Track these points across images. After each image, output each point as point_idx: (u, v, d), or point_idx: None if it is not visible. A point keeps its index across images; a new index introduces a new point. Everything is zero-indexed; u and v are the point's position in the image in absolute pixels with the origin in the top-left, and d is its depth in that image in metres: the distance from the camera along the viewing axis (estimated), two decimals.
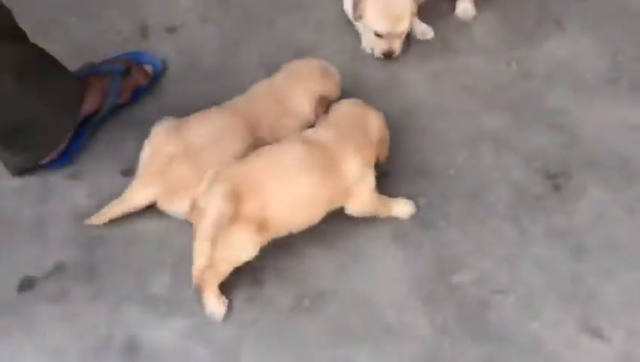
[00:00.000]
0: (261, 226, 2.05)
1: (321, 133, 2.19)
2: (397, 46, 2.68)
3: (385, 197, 2.26)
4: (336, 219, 2.27)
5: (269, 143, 2.25)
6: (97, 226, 2.32)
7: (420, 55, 2.79)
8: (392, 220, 2.33)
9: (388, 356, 2.08)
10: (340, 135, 2.17)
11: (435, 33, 2.82)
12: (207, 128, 2.31)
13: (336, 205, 2.19)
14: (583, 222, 2.35)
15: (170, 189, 2.28)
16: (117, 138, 2.54)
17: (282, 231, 2.13)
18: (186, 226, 2.27)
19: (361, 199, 2.17)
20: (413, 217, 2.36)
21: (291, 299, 2.19)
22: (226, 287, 2.18)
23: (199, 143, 2.28)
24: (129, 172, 2.46)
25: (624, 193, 2.40)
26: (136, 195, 2.30)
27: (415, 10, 2.67)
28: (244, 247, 2.06)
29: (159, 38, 2.86)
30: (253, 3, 3.00)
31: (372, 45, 2.72)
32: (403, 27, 2.63)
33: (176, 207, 2.30)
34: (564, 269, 2.25)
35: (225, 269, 2.12)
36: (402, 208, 2.30)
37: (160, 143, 2.30)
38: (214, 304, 2.12)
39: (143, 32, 2.90)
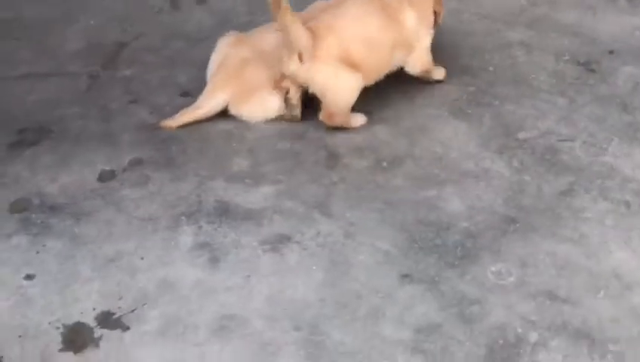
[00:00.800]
0: (350, 63, 2.14)
1: None
2: None
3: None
4: (397, 103, 2.41)
5: None
6: (168, 130, 2.34)
7: None
8: (447, 101, 2.44)
9: (474, 191, 2.12)
10: None
11: None
12: (275, 36, 2.41)
13: (399, 57, 2.31)
14: (624, 89, 2.50)
15: (245, 91, 2.34)
16: (169, 71, 2.62)
17: (368, 74, 2.20)
18: (254, 125, 2.33)
19: (420, 54, 2.29)
20: (467, 98, 2.46)
21: (370, 162, 2.23)
22: (300, 161, 2.21)
23: (272, 48, 2.36)
24: (187, 94, 2.52)
25: None
26: (211, 100, 2.36)
27: None
28: (347, 83, 2.18)
29: (190, 8, 3.01)
30: None
31: None
32: None
33: (251, 107, 2.35)
34: (618, 121, 2.37)
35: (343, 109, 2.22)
36: (441, 72, 2.48)
37: (231, 50, 2.38)
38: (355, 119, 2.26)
39: (174, 3, 3.05)
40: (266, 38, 2.40)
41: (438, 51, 2.64)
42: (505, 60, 2.66)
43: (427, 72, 2.44)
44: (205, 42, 2.74)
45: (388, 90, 2.50)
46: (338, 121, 2.29)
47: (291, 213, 2.07)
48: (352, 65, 2.21)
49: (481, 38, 2.77)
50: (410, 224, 2.03)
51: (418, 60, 2.40)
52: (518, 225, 2.03)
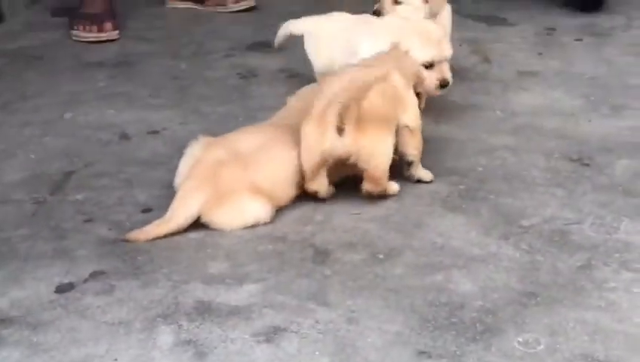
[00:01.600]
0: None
1: None
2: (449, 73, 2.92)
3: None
4: (384, 202, 2.57)
5: None
6: (134, 243, 2.40)
7: None
8: (438, 198, 2.63)
9: (485, 273, 2.21)
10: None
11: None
12: (255, 137, 2.58)
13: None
14: (624, 178, 2.72)
15: (220, 195, 2.45)
16: (126, 192, 2.73)
17: None
18: (228, 233, 2.45)
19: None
20: (459, 195, 2.63)
21: (364, 256, 2.32)
22: (286, 259, 2.29)
23: (250, 149, 2.52)
24: (149, 210, 2.62)
25: None
26: (184, 208, 2.44)
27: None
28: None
29: (142, 139, 3.18)
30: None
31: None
32: (448, 51, 2.94)
33: (227, 213, 2.45)
34: (624, 204, 2.55)
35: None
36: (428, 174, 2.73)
37: (204, 152, 2.52)
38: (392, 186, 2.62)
39: (123, 135, 3.23)
40: (243, 139, 2.55)
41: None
42: (493, 161, 2.86)
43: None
44: (163, 166, 2.88)
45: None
46: (383, 185, 2.54)
47: (283, 306, 2.11)
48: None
49: (464, 144, 2.98)
50: (419, 306, 2.09)
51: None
52: (539, 298, 2.10)
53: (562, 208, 2.54)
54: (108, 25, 4.18)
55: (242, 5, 4.58)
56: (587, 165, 2.82)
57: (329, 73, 2.79)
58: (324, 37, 3.21)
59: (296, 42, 4.08)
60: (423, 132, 2.73)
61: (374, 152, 2.50)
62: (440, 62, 2.92)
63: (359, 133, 2.47)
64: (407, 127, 2.60)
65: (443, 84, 2.92)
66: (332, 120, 2.44)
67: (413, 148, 2.64)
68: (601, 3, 4.31)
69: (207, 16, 4.55)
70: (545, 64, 3.73)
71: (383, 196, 2.58)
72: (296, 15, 4.57)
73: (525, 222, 2.47)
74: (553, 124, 3.14)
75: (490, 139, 3.04)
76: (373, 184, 2.54)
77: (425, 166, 2.80)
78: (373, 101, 2.50)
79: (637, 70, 3.62)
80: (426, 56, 2.88)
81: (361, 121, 2.47)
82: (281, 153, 2.52)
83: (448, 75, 2.92)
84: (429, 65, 2.89)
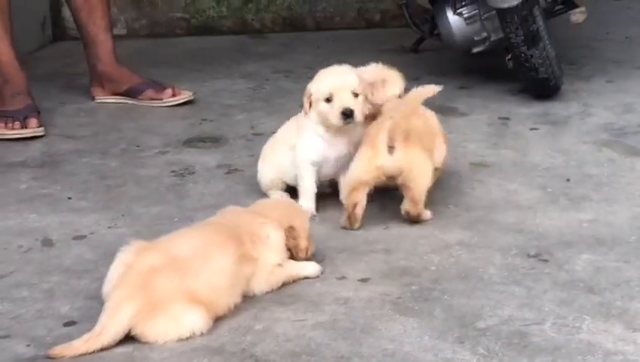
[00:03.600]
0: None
1: None
2: (352, 102, 3.12)
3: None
4: (331, 307, 2.59)
5: None
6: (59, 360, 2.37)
7: None
8: (388, 300, 2.63)
9: None
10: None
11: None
12: (191, 241, 2.59)
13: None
14: (585, 274, 2.76)
15: (153, 305, 2.42)
16: (47, 304, 2.70)
17: None
18: (160, 346, 2.43)
19: None
20: (411, 296, 2.65)
21: None
22: None
23: (186, 254, 2.51)
24: (72, 323, 2.59)
25: (609, 255, 2.89)
26: (115, 320, 2.41)
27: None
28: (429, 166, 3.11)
29: (65, 245, 3.17)
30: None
31: (326, 121, 3.16)
32: (350, 82, 3.14)
33: (161, 325, 2.42)
34: (586, 302, 2.59)
35: None
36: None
37: (135, 258, 2.51)
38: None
39: (46, 242, 3.21)
40: (179, 243, 2.54)
41: (368, 250, 2.86)
42: (447, 259, 2.89)
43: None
44: (89, 274, 2.86)
45: (320, 296, 2.65)
46: (421, 207, 3.04)
47: None
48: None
49: (416, 242, 3.01)
50: None
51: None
52: None
53: (521, 308, 2.56)
54: (32, 121, 4.19)
55: (180, 99, 4.63)
56: (546, 261, 2.86)
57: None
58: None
59: (235, 138, 4.15)
60: (372, 231, 2.85)
61: (420, 170, 2.99)
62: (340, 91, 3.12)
63: (408, 151, 2.96)
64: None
65: (346, 113, 3.10)
66: (383, 138, 2.97)
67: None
68: (556, 90, 4.46)
69: (139, 111, 4.59)
70: (500, 155, 3.83)
71: (417, 221, 3.08)
72: (235, 108, 4.67)
73: (482, 324, 2.48)
74: (510, 219, 3.20)
75: (443, 236, 3.08)
76: (413, 204, 3.01)
77: (374, 266, 2.83)
78: (419, 122, 3.04)
79: (594, 159, 3.73)
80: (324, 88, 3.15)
81: (409, 139, 2.97)
82: (219, 258, 2.52)
83: (351, 103, 3.09)
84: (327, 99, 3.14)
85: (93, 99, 4.72)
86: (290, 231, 2.73)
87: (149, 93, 4.59)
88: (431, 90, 3.11)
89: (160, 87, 4.61)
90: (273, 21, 6.51)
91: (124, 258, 2.52)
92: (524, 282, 2.72)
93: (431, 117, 3.22)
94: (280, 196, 3.39)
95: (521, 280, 2.73)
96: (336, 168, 3.29)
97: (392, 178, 3.02)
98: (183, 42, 6.23)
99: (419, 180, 3.00)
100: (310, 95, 3.21)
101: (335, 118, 3.15)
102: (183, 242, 2.55)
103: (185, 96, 4.64)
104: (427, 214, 3.13)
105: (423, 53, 5.53)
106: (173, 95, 4.61)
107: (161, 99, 4.59)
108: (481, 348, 2.37)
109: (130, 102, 4.64)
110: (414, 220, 3.09)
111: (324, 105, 3.18)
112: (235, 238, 2.58)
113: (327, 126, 3.19)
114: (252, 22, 6.51)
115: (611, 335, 2.40)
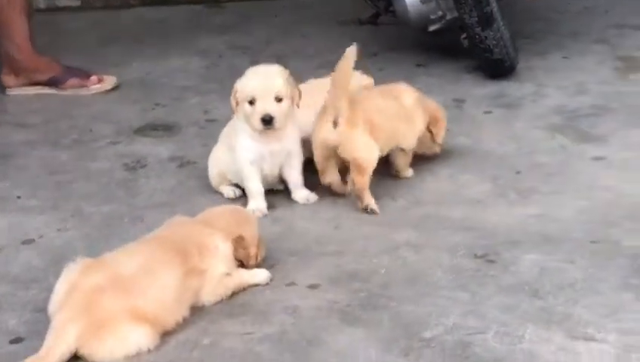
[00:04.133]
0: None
1: None
2: (273, 108, 3.17)
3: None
4: (279, 317, 2.65)
5: None
6: None
7: (311, 209, 3.36)
8: (337, 308, 2.69)
9: None
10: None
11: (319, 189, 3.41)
12: (136, 258, 2.62)
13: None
14: (530, 276, 2.84)
15: (99, 325, 2.46)
16: None
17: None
18: None
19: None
20: (359, 303, 2.71)
21: None
22: None
23: (131, 272, 2.55)
24: (19, 339, 2.62)
25: (555, 254, 2.95)
26: (60, 341, 2.43)
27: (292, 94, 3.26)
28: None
29: (13, 250, 3.19)
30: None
31: (249, 122, 3.21)
32: (274, 86, 3.17)
33: (107, 345, 2.45)
34: (530, 307, 2.67)
35: None
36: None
37: (80, 277, 2.54)
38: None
39: None
40: (124, 260, 2.58)
41: (319, 253, 2.92)
42: (395, 261, 2.95)
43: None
44: (37, 284, 2.89)
45: (269, 305, 2.70)
46: (362, 183, 3.22)
47: None
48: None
49: (366, 242, 3.07)
50: None
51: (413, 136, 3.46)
52: None
53: (466, 315, 2.63)
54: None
55: (106, 86, 4.59)
56: (493, 262, 2.93)
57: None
58: None
59: (188, 125, 4.17)
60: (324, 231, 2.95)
61: (358, 144, 3.19)
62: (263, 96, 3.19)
63: (348, 127, 3.17)
64: (402, 150, 3.44)
65: (266, 120, 3.16)
66: (327, 114, 3.18)
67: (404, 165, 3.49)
68: (511, 70, 4.50)
69: (90, 96, 4.58)
70: (453, 142, 3.87)
71: (360, 198, 3.26)
72: (188, 91, 4.67)
73: (427, 334, 2.56)
74: (459, 214, 3.26)
75: (393, 235, 3.14)
76: (356, 177, 3.21)
77: (324, 270, 2.89)
78: (379, 102, 3.33)
79: (545, 146, 3.79)
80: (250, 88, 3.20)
81: (352, 117, 3.18)
82: (165, 275, 2.56)
83: (272, 110, 3.17)
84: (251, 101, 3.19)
85: (4, 90, 4.52)
86: (239, 242, 2.77)
87: (73, 81, 4.52)
88: (348, 56, 3.17)
89: (84, 75, 4.55)
90: None
91: (69, 276, 2.56)
92: (470, 286, 2.80)
93: (408, 97, 3.46)
94: (232, 192, 3.43)
95: (466, 284, 2.81)
96: (275, 164, 3.32)
97: (336, 150, 3.22)
98: (137, 13, 6.19)
99: (358, 156, 3.20)
100: (236, 92, 3.24)
101: (255, 123, 3.19)
102: (128, 259, 2.59)
103: (110, 81, 4.60)
104: (372, 202, 3.26)
105: (381, 26, 5.53)
106: (99, 82, 4.57)
107: (87, 87, 4.54)
108: (425, 361, 2.44)
109: (52, 92, 4.51)
110: (357, 196, 3.25)
111: (247, 106, 3.21)
112: (182, 252, 2.63)
113: (251, 128, 3.22)
114: None
115: (552, 344, 2.48)
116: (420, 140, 3.50)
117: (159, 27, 5.82)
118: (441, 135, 3.56)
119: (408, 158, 3.50)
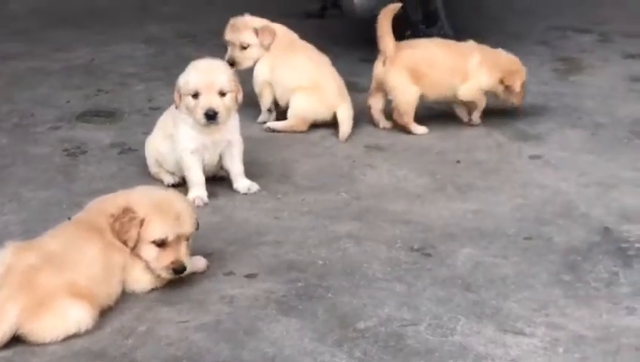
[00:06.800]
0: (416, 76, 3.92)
1: None
2: (217, 103, 3.18)
3: None
4: (215, 307, 2.65)
5: None
6: None
7: (251, 199, 3.36)
8: (273, 298, 2.70)
9: None
10: None
11: (260, 179, 3.43)
12: (62, 238, 2.62)
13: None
14: (464, 269, 2.87)
15: (38, 303, 2.45)
16: None
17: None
18: (40, 349, 2.43)
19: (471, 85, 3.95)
20: (296, 293, 2.72)
21: None
22: None
23: (61, 250, 2.56)
24: None
25: (489, 249, 2.99)
26: (1, 322, 2.41)
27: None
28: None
29: None
30: None
31: (192, 116, 3.21)
32: (217, 80, 3.19)
33: (47, 322, 2.45)
34: (463, 300, 2.70)
35: None
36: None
37: (13, 259, 2.52)
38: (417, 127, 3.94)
39: None
40: (51, 241, 2.58)
41: (255, 246, 2.92)
42: (334, 253, 2.97)
43: (477, 101, 3.96)
44: None
45: (206, 294, 2.70)
46: (403, 121, 3.87)
47: None
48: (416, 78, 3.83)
49: (305, 233, 3.08)
50: None
51: (468, 90, 3.90)
52: None
53: (400, 307, 2.66)
54: None
55: None
56: (429, 255, 2.96)
57: None
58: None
59: (131, 112, 4.14)
60: (263, 221, 2.97)
61: (397, 84, 3.84)
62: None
63: (390, 68, 3.82)
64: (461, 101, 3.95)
65: (210, 115, 3.20)
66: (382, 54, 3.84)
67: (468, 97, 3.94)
68: None
69: (35, 78, 4.53)
70: (394, 137, 3.91)
71: (406, 131, 3.90)
72: (133, 78, 4.64)
73: (361, 325, 2.58)
74: (398, 207, 3.29)
75: (333, 227, 3.15)
76: (396, 114, 3.88)
77: (262, 260, 2.89)
78: (417, 51, 3.88)
79: (484, 143, 3.84)
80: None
81: (395, 60, 3.80)
82: (87, 248, 2.59)
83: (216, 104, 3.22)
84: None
85: None
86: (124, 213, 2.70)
87: None
88: (390, 8, 3.85)
89: None
90: None
91: (2, 258, 2.53)
92: (406, 278, 2.82)
93: (474, 57, 3.92)
94: (171, 178, 3.42)
95: (402, 276, 2.83)
96: (215, 153, 3.32)
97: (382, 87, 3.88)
98: None
99: (398, 94, 3.84)
100: (179, 88, 3.23)
101: (198, 117, 3.19)
102: (54, 240, 2.60)
103: None
104: (417, 128, 3.89)
105: (327, 19, 5.55)
106: None
107: None
108: (359, 351, 2.46)
109: None
110: (402, 129, 3.89)
111: (190, 100, 3.21)
112: (97, 229, 2.63)
113: (194, 121, 3.22)
114: None
115: (483, 337, 2.52)
116: (495, 94, 3.95)
117: (105, 13, 5.76)
118: (516, 86, 3.88)
119: (473, 108, 3.97)
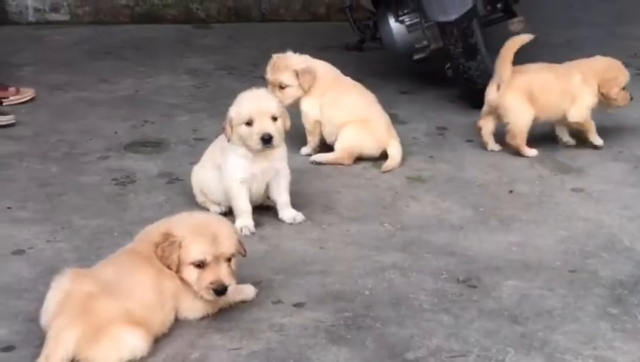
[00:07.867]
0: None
1: None
2: (271, 127, 3.25)
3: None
4: (266, 335, 2.68)
5: None
6: None
7: (297, 228, 3.40)
8: (323, 327, 2.73)
9: None
10: None
11: (304, 210, 3.47)
12: (117, 266, 2.68)
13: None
14: (510, 302, 2.89)
15: (95, 329, 2.49)
16: None
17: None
18: None
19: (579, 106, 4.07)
20: (344, 323, 2.75)
21: None
22: None
23: (116, 278, 2.61)
24: (11, 347, 2.64)
25: (534, 282, 3.01)
26: (59, 347, 2.45)
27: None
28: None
29: (4, 260, 3.20)
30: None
31: (246, 144, 3.27)
32: (269, 106, 3.27)
33: (103, 348, 2.49)
34: (510, 333, 2.72)
35: None
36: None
37: (72, 286, 2.57)
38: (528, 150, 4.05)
39: None
40: (107, 269, 2.63)
41: (304, 272, 2.95)
42: (380, 283, 3.00)
43: (584, 124, 4.05)
44: (28, 293, 2.90)
45: (256, 322, 2.74)
46: (516, 142, 3.97)
47: None
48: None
49: (351, 264, 3.11)
50: None
51: (577, 112, 4.02)
52: None
53: (448, 338, 2.68)
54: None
55: (24, 97, 4.63)
56: (474, 287, 2.98)
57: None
58: None
59: (177, 143, 4.20)
60: (309, 251, 2.94)
61: (513, 108, 3.94)
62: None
63: (506, 92, 3.91)
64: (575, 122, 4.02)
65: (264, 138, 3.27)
66: (496, 79, 3.95)
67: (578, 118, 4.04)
68: None
69: (80, 110, 4.61)
70: (436, 169, 3.94)
71: (518, 153, 3.99)
72: (177, 109, 4.71)
73: (411, 355, 2.60)
74: (442, 239, 3.32)
75: (378, 257, 3.18)
76: (510, 137, 3.96)
77: (310, 289, 2.92)
78: (536, 76, 4.01)
79: (526, 176, 3.86)
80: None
81: (512, 84, 3.91)
82: (143, 277, 2.64)
83: (271, 129, 3.28)
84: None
85: None
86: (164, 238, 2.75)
87: None
88: (519, 38, 4.00)
89: (3, 86, 4.58)
90: (218, 11, 6.53)
91: (60, 286, 2.58)
92: (453, 309, 2.84)
93: (575, 76, 4.02)
94: (218, 208, 3.47)
95: (449, 308, 2.85)
96: (263, 183, 3.38)
97: (496, 109, 3.98)
98: (126, 30, 6.23)
99: (512, 117, 3.94)
100: (231, 120, 3.30)
101: (254, 143, 3.25)
102: (108, 269, 2.66)
103: (29, 93, 4.65)
104: (528, 151, 3.99)
105: (366, 51, 5.60)
106: (17, 93, 4.61)
107: (8, 98, 4.58)
108: None
109: None
110: (515, 151, 3.99)
111: (244, 128, 3.27)
112: (147, 257, 2.69)
113: (248, 149, 3.27)
114: (197, 11, 6.52)
115: None
116: (602, 106, 4.08)
117: (148, 45, 5.86)
118: (612, 93, 4.02)
119: (585, 127, 4.06)
